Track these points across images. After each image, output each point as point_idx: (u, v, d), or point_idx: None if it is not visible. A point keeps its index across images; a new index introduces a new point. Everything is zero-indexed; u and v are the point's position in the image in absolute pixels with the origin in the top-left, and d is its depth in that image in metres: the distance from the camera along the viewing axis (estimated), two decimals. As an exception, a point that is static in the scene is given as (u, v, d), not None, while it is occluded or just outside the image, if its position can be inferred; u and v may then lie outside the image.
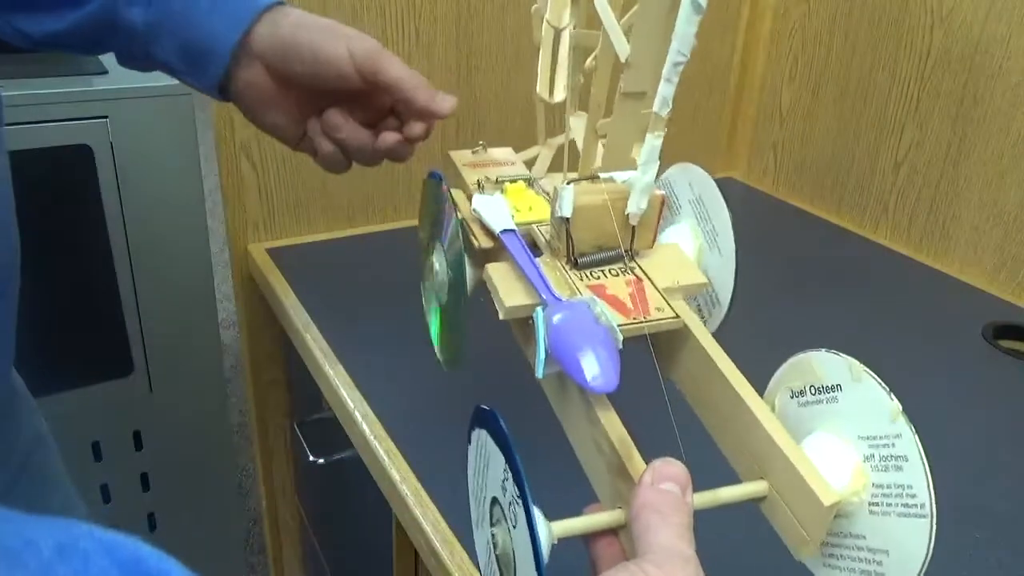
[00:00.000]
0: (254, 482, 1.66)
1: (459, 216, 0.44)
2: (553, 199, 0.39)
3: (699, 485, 0.32)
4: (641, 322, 0.37)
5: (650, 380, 0.38)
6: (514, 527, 0.31)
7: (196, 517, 1.15)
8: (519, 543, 0.30)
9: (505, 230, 0.42)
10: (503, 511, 0.32)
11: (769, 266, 0.95)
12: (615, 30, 0.37)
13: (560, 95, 0.51)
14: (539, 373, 0.35)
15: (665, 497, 0.30)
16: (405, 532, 0.59)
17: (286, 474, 1.11)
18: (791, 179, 1.17)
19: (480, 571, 0.36)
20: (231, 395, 1.64)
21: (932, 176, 0.97)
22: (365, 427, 0.63)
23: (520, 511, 0.30)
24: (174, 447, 1.09)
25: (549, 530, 0.31)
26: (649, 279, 0.40)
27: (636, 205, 0.39)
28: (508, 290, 0.39)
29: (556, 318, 0.35)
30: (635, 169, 0.38)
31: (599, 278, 0.39)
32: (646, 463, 0.32)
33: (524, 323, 0.39)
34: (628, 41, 0.36)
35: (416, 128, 0.53)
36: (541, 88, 0.51)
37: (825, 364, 0.35)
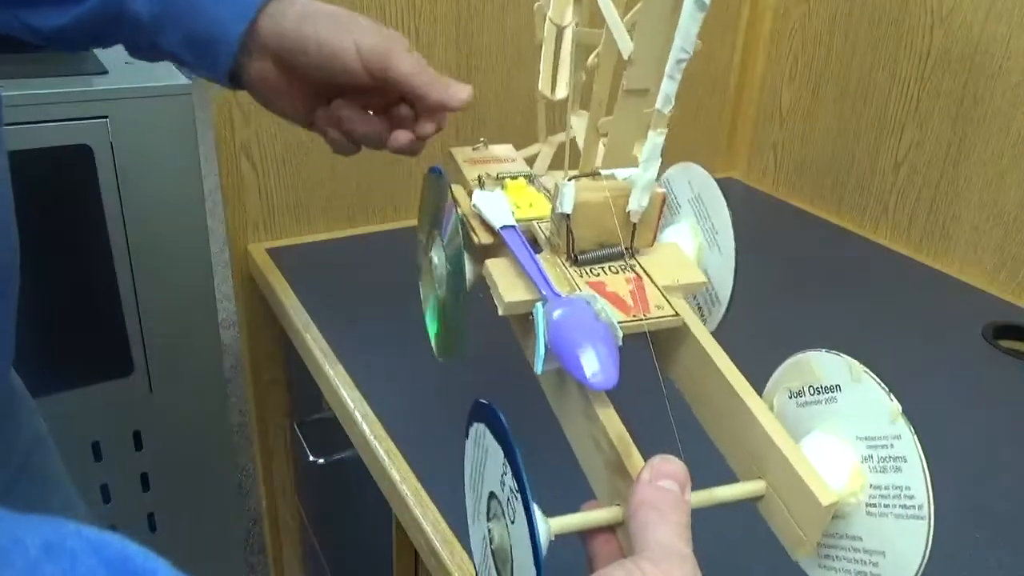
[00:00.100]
0: (254, 482, 1.66)
1: (459, 211, 0.43)
2: (554, 195, 0.39)
3: (697, 483, 0.32)
4: (641, 320, 0.37)
5: (649, 378, 0.38)
6: (512, 522, 0.31)
7: (196, 517, 1.15)
8: (517, 538, 0.30)
9: (505, 226, 0.42)
10: (501, 506, 0.32)
11: (769, 266, 0.95)
12: (618, 27, 0.37)
13: (562, 92, 0.51)
14: (538, 369, 0.35)
15: (664, 495, 0.30)
16: (405, 532, 0.59)
17: (286, 474, 1.11)
18: (791, 179, 1.17)
19: (475, 566, 0.36)
20: (231, 395, 1.64)
21: (932, 176, 0.97)
22: (365, 427, 0.63)
23: (519, 506, 0.30)
24: (174, 447, 1.09)
25: (547, 526, 0.31)
26: (649, 277, 0.40)
27: (637, 202, 0.39)
28: (507, 286, 0.39)
29: (556, 314, 0.34)
30: (636, 167, 0.38)
31: (599, 275, 0.39)
32: (644, 461, 0.32)
33: (523, 319, 0.39)
34: (631, 38, 0.36)
35: (427, 127, 0.53)
36: (543, 85, 0.51)
37: (824, 364, 0.35)
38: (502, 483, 0.31)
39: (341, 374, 0.69)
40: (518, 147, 0.54)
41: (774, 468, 0.33)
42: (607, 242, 0.40)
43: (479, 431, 0.33)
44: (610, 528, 0.33)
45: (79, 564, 0.20)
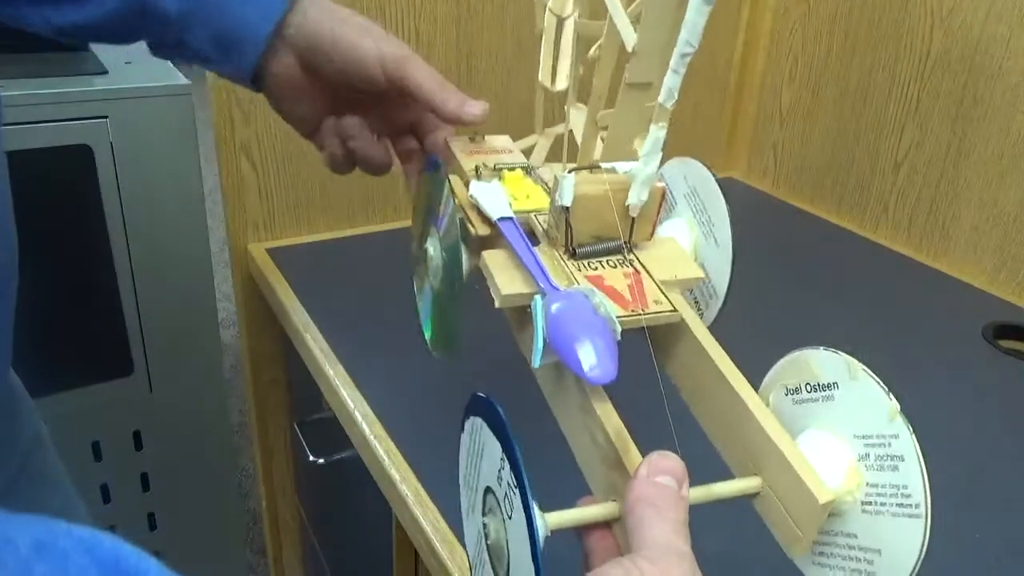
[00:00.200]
0: (254, 482, 1.66)
1: (456, 203, 0.43)
2: (553, 188, 0.39)
3: (695, 480, 0.32)
4: (639, 314, 0.37)
5: (646, 373, 0.37)
6: (509, 518, 0.30)
7: (196, 517, 1.15)
8: (514, 534, 0.30)
9: (503, 217, 0.41)
10: (497, 501, 0.32)
11: (769, 266, 0.95)
12: (622, 19, 0.36)
13: (562, 84, 0.50)
14: (536, 363, 0.35)
15: (661, 491, 0.30)
16: (405, 532, 0.59)
17: (286, 474, 1.11)
18: (791, 179, 1.17)
19: (468, 561, 0.36)
20: (231, 395, 1.64)
21: (932, 176, 0.97)
22: (365, 427, 0.63)
23: (517, 501, 0.29)
24: (174, 447, 1.09)
25: (543, 521, 0.31)
26: (647, 272, 0.40)
27: (637, 196, 0.38)
28: (504, 278, 0.38)
29: (554, 307, 0.34)
30: (636, 160, 0.38)
31: (597, 269, 0.39)
32: (642, 456, 0.32)
33: (519, 312, 0.38)
34: (635, 31, 0.35)
35: (438, 138, 0.53)
36: (543, 76, 0.51)
37: (822, 362, 0.35)
38: (499, 478, 0.31)
39: (341, 374, 0.69)
40: (525, 148, 0.54)
41: (770, 465, 0.33)
42: (606, 236, 0.40)
43: (475, 425, 0.33)
44: (606, 524, 0.33)
45: (71, 564, 0.20)
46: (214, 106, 0.85)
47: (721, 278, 0.43)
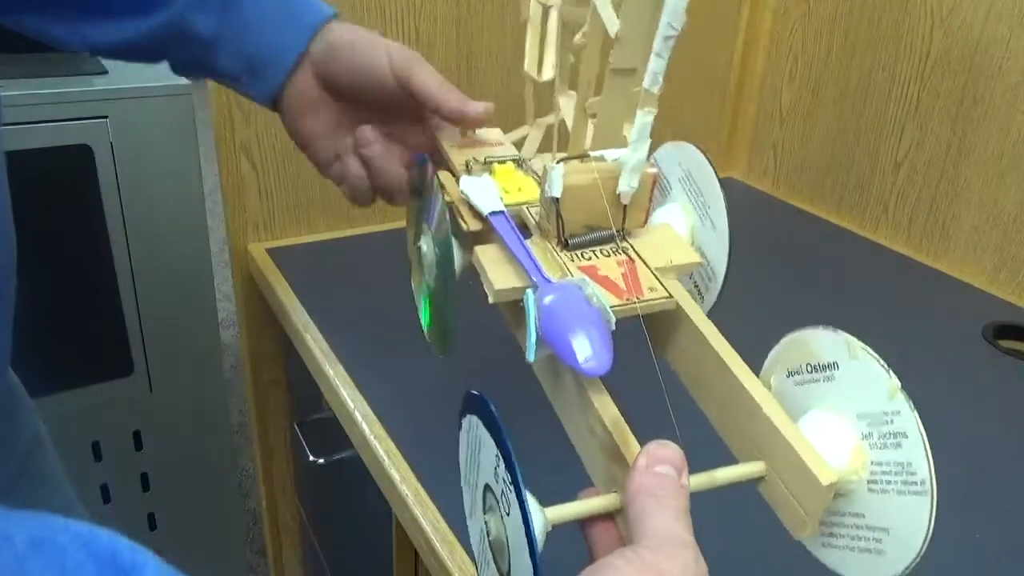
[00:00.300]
0: (254, 482, 1.66)
1: (446, 197, 0.43)
2: (543, 179, 0.38)
3: (697, 467, 0.32)
4: (634, 303, 0.36)
5: (645, 362, 0.37)
6: (507, 514, 0.30)
7: (196, 517, 1.15)
8: (512, 529, 0.30)
9: (493, 212, 0.41)
10: (496, 498, 0.31)
11: (769, 266, 0.95)
12: (604, 5, 0.36)
13: (548, 73, 0.50)
14: (530, 357, 0.34)
15: (661, 480, 0.30)
16: (405, 532, 0.59)
17: (286, 474, 1.11)
18: (791, 179, 1.17)
19: (474, 560, 0.36)
20: (231, 395, 1.64)
21: (932, 176, 0.97)
22: (365, 427, 0.63)
23: (512, 497, 0.29)
24: (174, 447, 1.09)
25: (544, 516, 0.31)
26: (642, 259, 0.39)
27: (627, 184, 0.38)
28: (497, 273, 0.38)
29: (547, 300, 0.34)
30: (626, 147, 0.37)
31: (590, 259, 0.39)
32: (641, 446, 0.31)
33: (515, 306, 0.38)
34: (617, 16, 0.35)
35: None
36: (529, 66, 0.50)
37: (821, 342, 0.34)
38: (496, 475, 0.31)
39: (341, 374, 0.69)
40: (517, 146, 0.54)
41: (773, 449, 0.33)
42: (598, 225, 0.39)
43: (472, 423, 0.33)
44: (609, 516, 0.33)
45: (67, 559, 0.20)
46: (214, 106, 0.85)
47: (719, 261, 0.42)
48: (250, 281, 0.94)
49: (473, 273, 0.40)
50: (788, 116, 1.16)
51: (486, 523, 0.33)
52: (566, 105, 0.45)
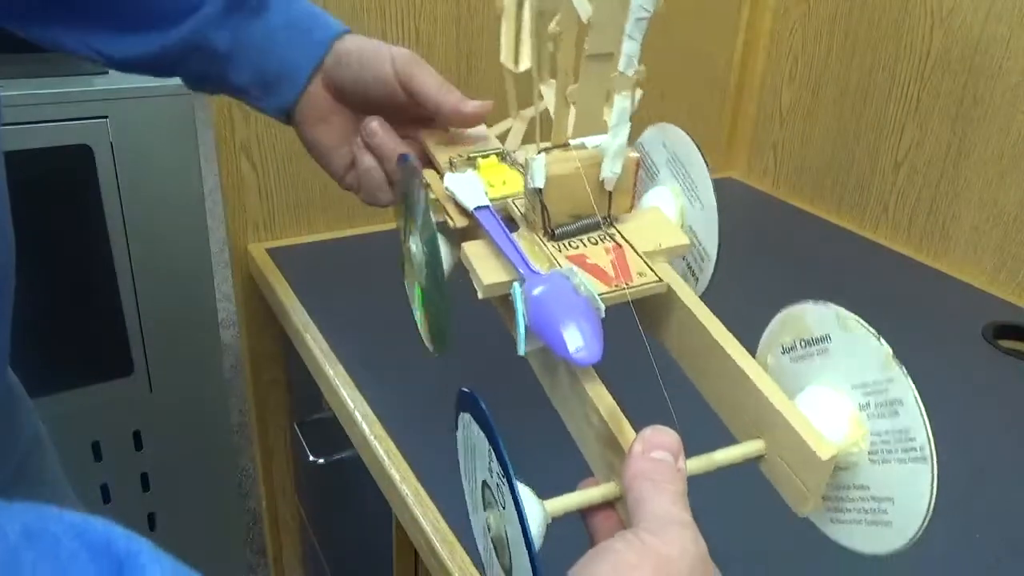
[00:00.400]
0: (254, 482, 1.66)
1: (428, 195, 0.43)
2: (525, 171, 0.38)
3: (695, 449, 0.32)
4: (623, 289, 0.36)
5: (639, 347, 0.37)
6: (503, 508, 0.30)
7: (196, 517, 1.15)
8: (509, 523, 0.30)
9: (478, 207, 0.41)
10: (492, 493, 0.32)
11: (769, 266, 0.95)
12: None
13: (525, 64, 0.49)
14: (520, 350, 0.34)
15: (657, 466, 0.30)
16: (405, 532, 0.59)
17: (286, 474, 1.11)
18: (791, 179, 1.17)
19: (476, 561, 0.36)
20: (231, 395, 1.64)
21: (932, 176, 0.97)
22: (365, 427, 0.63)
23: (507, 491, 0.29)
24: (174, 447, 1.09)
25: (543, 509, 0.30)
26: (630, 244, 0.39)
27: (610, 170, 0.38)
28: (485, 268, 0.38)
29: (535, 292, 0.34)
30: (607, 133, 0.37)
31: (578, 248, 0.39)
32: (637, 433, 0.31)
33: (506, 300, 0.38)
34: (589, 1, 0.35)
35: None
36: (505, 58, 0.50)
37: (812, 315, 0.34)
38: (490, 470, 0.31)
39: (341, 374, 0.69)
40: (499, 133, 0.53)
41: (771, 427, 0.33)
42: (583, 213, 0.39)
43: (465, 421, 0.33)
44: (609, 504, 0.33)
45: (61, 548, 0.20)
46: (214, 106, 0.85)
47: (710, 238, 0.42)
48: (250, 281, 0.94)
49: (464, 271, 0.40)
50: (788, 116, 1.16)
51: (487, 520, 0.33)
52: (549, 94, 0.45)
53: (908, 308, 0.88)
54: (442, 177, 0.46)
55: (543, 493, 0.31)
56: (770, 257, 0.97)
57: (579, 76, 0.37)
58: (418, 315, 0.47)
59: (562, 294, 0.34)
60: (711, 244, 0.42)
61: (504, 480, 0.29)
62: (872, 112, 1.03)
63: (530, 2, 0.46)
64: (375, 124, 0.52)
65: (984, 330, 0.83)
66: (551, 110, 0.42)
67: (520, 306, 0.34)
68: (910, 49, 0.97)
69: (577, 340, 0.32)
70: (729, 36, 1.17)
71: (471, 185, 0.43)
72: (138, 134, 0.92)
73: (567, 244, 0.39)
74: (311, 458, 0.81)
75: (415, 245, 0.44)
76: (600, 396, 0.34)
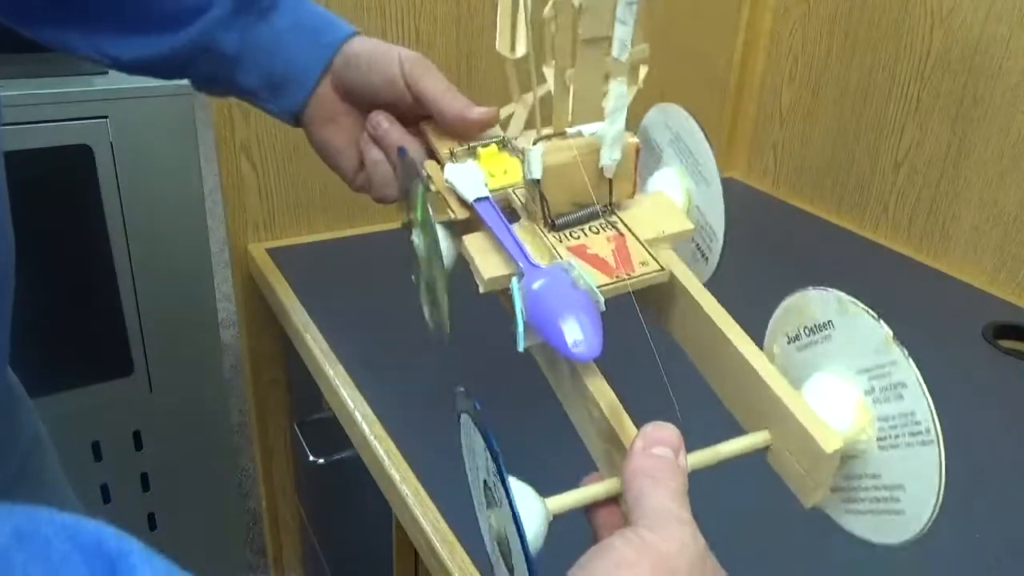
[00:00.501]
0: (254, 482, 1.66)
1: (424, 187, 0.42)
2: (523, 162, 0.38)
3: (700, 440, 0.32)
4: (624, 280, 0.36)
5: (643, 337, 0.37)
6: (500, 506, 0.30)
7: (196, 517, 1.15)
8: (508, 521, 0.30)
9: (478, 198, 0.40)
10: (492, 492, 0.31)
11: (769, 266, 0.95)
12: None
13: (522, 50, 0.48)
14: (520, 346, 0.34)
15: (657, 462, 0.30)
16: (405, 532, 0.59)
17: (286, 474, 1.11)
18: (791, 179, 1.17)
19: (489, 558, 0.36)
20: (231, 395, 1.64)
21: (932, 176, 0.97)
22: (365, 427, 0.63)
23: (501, 487, 0.29)
24: (174, 447, 1.09)
25: (543, 506, 0.30)
26: (632, 232, 0.38)
27: (609, 157, 0.37)
28: (486, 261, 0.38)
29: (534, 286, 0.33)
30: (604, 120, 0.37)
31: (579, 238, 0.38)
32: (637, 428, 0.31)
33: (508, 294, 0.38)
34: None
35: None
36: (501, 44, 0.49)
37: (814, 301, 0.34)
38: (488, 469, 0.31)
39: (341, 374, 0.69)
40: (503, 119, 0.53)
41: (776, 418, 0.33)
42: (584, 202, 0.38)
43: (464, 421, 0.33)
44: (612, 500, 0.33)
45: (52, 550, 0.20)
46: (214, 106, 0.85)
47: (717, 216, 0.41)
48: (250, 281, 0.94)
49: (467, 264, 0.39)
50: (788, 116, 1.16)
51: (489, 519, 0.33)
52: (551, 75, 0.44)
53: (908, 308, 0.88)
54: (443, 168, 0.45)
55: (546, 488, 0.31)
56: (770, 257, 0.97)
57: (575, 61, 0.37)
58: (426, 308, 0.47)
59: (561, 288, 0.33)
60: (718, 223, 0.42)
61: (497, 476, 0.29)
62: (872, 112, 1.03)
63: None
64: (381, 116, 0.51)
65: (984, 330, 0.83)
66: (553, 92, 0.42)
67: (519, 302, 0.34)
68: (910, 49, 0.97)
69: (576, 335, 0.32)
70: (729, 36, 1.17)
71: (471, 176, 0.42)
72: (138, 134, 0.92)
73: (568, 234, 0.38)
74: (311, 458, 0.81)
75: (417, 238, 0.44)
76: (601, 391, 0.34)
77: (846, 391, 0.33)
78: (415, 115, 0.52)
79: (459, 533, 0.53)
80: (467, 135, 0.49)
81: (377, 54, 0.51)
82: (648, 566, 0.27)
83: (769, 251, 0.99)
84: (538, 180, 0.37)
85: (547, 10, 0.41)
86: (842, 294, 0.33)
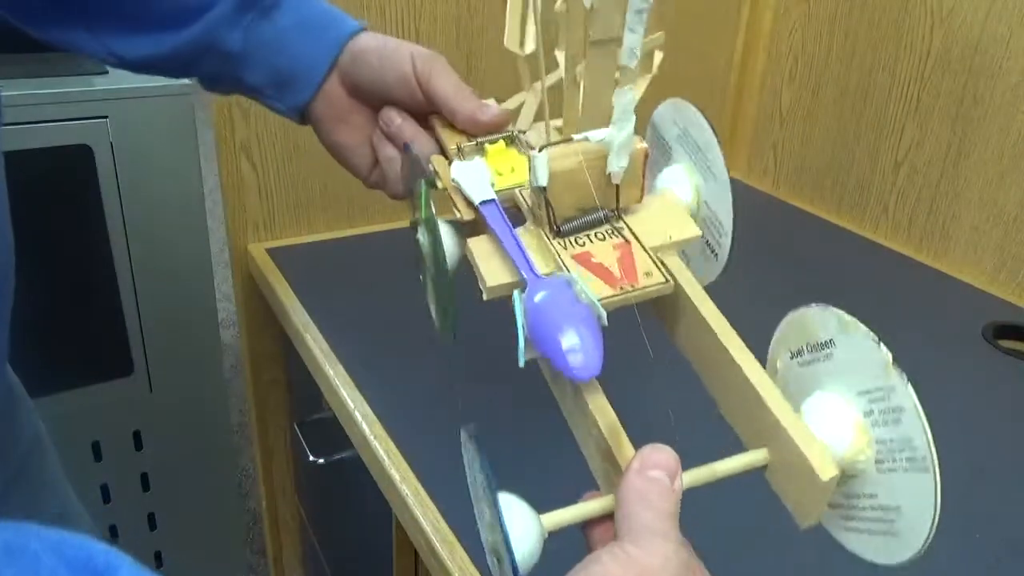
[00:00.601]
0: (254, 482, 1.66)
1: (427, 185, 0.41)
2: (529, 168, 0.37)
3: (698, 456, 0.32)
4: (628, 292, 0.35)
5: (646, 348, 0.37)
6: (494, 530, 0.30)
7: (196, 517, 1.15)
8: (501, 545, 0.30)
9: (484, 201, 0.39)
10: (487, 510, 0.31)
11: (769, 266, 0.95)
12: None
13: (531, 46, 0.48)
14: (521, 361, 0.33)
15: (651, 485, 0.30)
16: (405, 532, 0.59)
17: (286, 474, 1.11)
18: (791, 179, 1.17)
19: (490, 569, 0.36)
20: (231, 395, 1.64)
21: (932, 176, 0.97)
22: (365, 427, 0.63)
23: (493, 503, 0.29)
24: (174, 447, 1.09)
25: (538, 523, 0.30)
26: (638, 240, 0.38)
27: (617, 164, 0.37)
28: (490, 268, 0.37)
29: (536, 299, 0.33)
30: (610, 125, 0.36)
31: (584, 245, 0.37)
32: (636, 447, 0.31)
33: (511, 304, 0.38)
34: None
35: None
36: (509, 41, 0.48)
37: (816, 319, 0.34)
38: (483, 487, 0.31)
39: (341, 374, 0.69)
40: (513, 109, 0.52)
41: (775, 439, 0.32)
42: (590, 207, 0.38)
43: (464, 436, 0.33)
44: (609, 517, 0.32)
45: (41, 566, 0.20)
46: (214, 106, 0.85)
47: (726, 211, 0.41)
48: (250, 281, 0.94)
49: (470, 265, 0.39)
50: (788, 116, 1.16)
51: (486, 535, 0.33)
52: (563, 60, 0.44)
53: (908, 308, 0.88)
54: (450, 163, 0.44)
55: (545, 494, 0.31)
56: (770, 257, 0.97)
57: (585, 61, 0.36)
58: (432, 307, 0.47)
59: (562, 303, 0.33)
60: (727, 218, 0.41)
61: (489, 492, 0.30)
62: (872, 112, 1.03)
63: None
64: (393, 113, 0.51)
65: (984, 330, 0.83)
66: (564, 88, 0.41)
67: (520, 316, 0.33)
68: (910, 49, 0.97)
69: (575, 354, 0.31)
70: (729, 36, 1.17)
71: (477, 175, 0.41)
72: (138, 134, 0.92)
73: (573, 241, 0.37)
74: (311, 458, 0.81)
75: (423, 237, 0.44)
76: (601, 410, 0.33)
77: (846, 412, 0.32)
78: (426, 111, 0.51)
79: (459, 533, 0.53)
80: (478, 135, 0.49)
81: (388, 51, 0.50)
82: None
83: (769, 251, 0.99)
84: (544, 187, 0.36)
85: (558, 5, 0.41)
86: (843, 313, 0.33)
